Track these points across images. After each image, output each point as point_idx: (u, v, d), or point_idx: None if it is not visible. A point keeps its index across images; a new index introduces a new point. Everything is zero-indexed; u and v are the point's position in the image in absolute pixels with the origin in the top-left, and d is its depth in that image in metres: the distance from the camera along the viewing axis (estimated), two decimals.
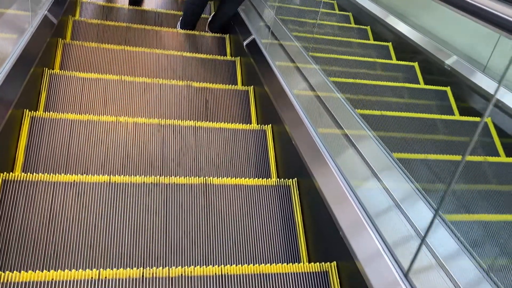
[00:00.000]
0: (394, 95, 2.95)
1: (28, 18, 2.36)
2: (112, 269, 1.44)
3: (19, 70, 2.01)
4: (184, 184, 1.90)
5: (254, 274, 1.54)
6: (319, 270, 1.60)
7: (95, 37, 3.24)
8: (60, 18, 2.89)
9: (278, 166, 2.27)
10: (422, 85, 3.22)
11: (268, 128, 2.39)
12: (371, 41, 3.94)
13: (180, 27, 3.61)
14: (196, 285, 1.47)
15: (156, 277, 1.45)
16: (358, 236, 1.47)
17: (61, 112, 2.23)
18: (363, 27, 4.11)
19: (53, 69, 2.65)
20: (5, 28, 2.14)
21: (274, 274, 1.56)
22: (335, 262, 1.60)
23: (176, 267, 1.49)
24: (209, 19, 3.74)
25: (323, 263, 1.61)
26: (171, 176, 1.95)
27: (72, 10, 3.48)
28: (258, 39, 2.96)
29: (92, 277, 1.41)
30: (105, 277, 1.42)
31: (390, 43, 3.71)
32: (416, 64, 3.35)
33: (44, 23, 2.55)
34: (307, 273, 1.59)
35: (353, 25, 4.26)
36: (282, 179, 2.03)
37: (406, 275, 1.27)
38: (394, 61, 3.57)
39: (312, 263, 1.62)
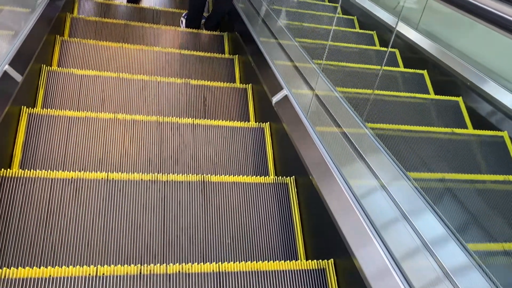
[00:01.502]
0: None
1: None
2: (109, 265, 1.44)
3: None
4: (182, 182, 1.90)
5: (252, 272, 1.54)
6: (316, 268, 1.61)
7: (93, 34, 3.24)
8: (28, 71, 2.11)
9: (276, 163, 2.27)
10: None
11: (266, 126, 2.39)
12: (433, 96, 2.94)
13: (185, 26, 3.61)
14: (193, 282, 1.47)
15: (153, 274, 1.45)
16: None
17: (59, 109, 2.22)
18: (419, 71, 3.16)
19: (51, 66, 2.64)
20: None
21: (272, 271, 1.56)
22: (332, 259, 1.60)
23: (174, 264, 1.49)
24: (206, 17, 3.75)
25: (320, 260, 1.62)
26: (169, 173, 1.95)
27: (70, 7, 3.47)
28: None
29: (89, 274, 1.41)
30: (103, 274, 1.42)
31: (461, 98, 2.77)
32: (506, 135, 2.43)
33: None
34: (305, 270, 1.59)
35: (403, 68, 3.29)
36: (280, 177, 2.03)
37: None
38: (472, 130, 2.62)
39: (310, 261, 1.62)
